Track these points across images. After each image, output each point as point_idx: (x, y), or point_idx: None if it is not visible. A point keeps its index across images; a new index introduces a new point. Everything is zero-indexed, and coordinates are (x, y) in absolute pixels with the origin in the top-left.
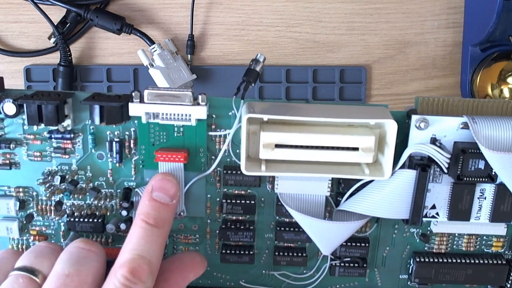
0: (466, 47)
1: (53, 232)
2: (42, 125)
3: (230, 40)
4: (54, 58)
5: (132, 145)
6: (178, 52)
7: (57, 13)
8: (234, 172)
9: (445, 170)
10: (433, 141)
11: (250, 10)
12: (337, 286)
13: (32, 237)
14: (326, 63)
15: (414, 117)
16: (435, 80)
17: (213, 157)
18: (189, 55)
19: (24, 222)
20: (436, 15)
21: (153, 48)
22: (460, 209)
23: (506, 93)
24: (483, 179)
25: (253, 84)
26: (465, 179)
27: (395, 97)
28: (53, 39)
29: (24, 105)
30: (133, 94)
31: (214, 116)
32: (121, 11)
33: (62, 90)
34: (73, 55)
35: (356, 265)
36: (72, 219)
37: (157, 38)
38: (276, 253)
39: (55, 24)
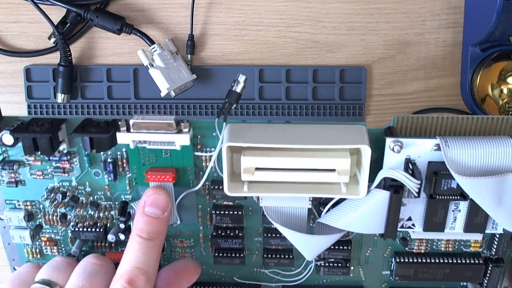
0: (466, 47)
1: (61, 238)
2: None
3: (230, 40)
4: (54, 58)
5: (124, 164)
6: (178, 52)
7: (57, 13)
8: (221, 187)
9: (416, 195)
10: (407, 162)
11: (250, 10)
12: (324, 280)
13: (43, 243)
14: (326, 63)
15: (389, 140)
16: (435, 80)
17: (201, 173)
18: (189, 55)
19: (35, 231)
20: (436, 15)
21: (153, 48)
22: (434, 221)
23: (506, 93)
24: (456, 197)
25: (234, 105)
26: (437, 197)
27: (395, 97)
28: (53, 39)
29: (20, 137)
30: (120, 123)
31: (199, 136)
32: (121, 11)
33: (62, 90)
34: (73, 55)
35: (340, 265)
36: (76, 229)
37: (157, 38)
38: (265, 255)
39: (55, 24)
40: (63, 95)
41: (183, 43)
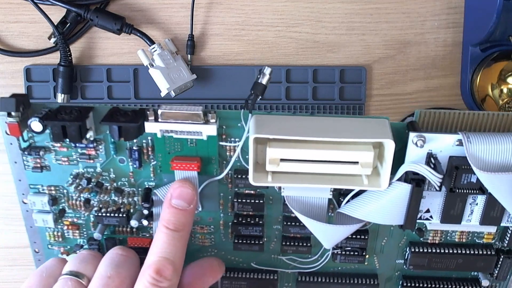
0: (466, 47)
1: (84, 222)
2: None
3: (230, 40)
4: (54, 58)
5: (150, 152)
6: (178, 52)
7: (57, 13)
8: (244, 176)
9: (437, 188)
10: (429, 156)
11: (250, 10)
12: (339, 268)
13: (65, 227)
14: (326, 63)
15: (412, 135)
16: (435, 80)
17: (224, 162)
18: (189, 55)
19: (58, 215)
20: (436, 15)
21: (153, 48)
22: (452, 214)
23: (506, 93)
24: (475, 191)
25: (260, 97)
26: (457, 191)
27: (395, 97)
28: (53, 39)
29: (49, 125)
30: (148, 113)
31: (224, 127)
32: (121, 11)
33: (62, 90)
34: (73, 55)
35: (356, 253)
36: (99, 214)
37: (157, 38)
38: (284, 243)
39: (55, 24)
40: (63, 95)
41: (183, 43)
